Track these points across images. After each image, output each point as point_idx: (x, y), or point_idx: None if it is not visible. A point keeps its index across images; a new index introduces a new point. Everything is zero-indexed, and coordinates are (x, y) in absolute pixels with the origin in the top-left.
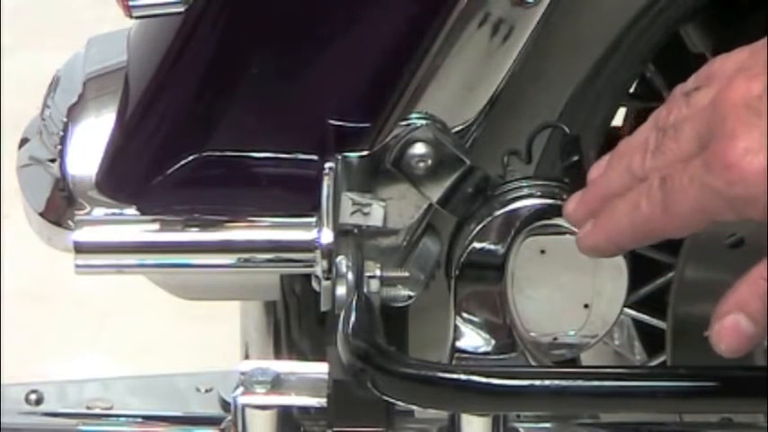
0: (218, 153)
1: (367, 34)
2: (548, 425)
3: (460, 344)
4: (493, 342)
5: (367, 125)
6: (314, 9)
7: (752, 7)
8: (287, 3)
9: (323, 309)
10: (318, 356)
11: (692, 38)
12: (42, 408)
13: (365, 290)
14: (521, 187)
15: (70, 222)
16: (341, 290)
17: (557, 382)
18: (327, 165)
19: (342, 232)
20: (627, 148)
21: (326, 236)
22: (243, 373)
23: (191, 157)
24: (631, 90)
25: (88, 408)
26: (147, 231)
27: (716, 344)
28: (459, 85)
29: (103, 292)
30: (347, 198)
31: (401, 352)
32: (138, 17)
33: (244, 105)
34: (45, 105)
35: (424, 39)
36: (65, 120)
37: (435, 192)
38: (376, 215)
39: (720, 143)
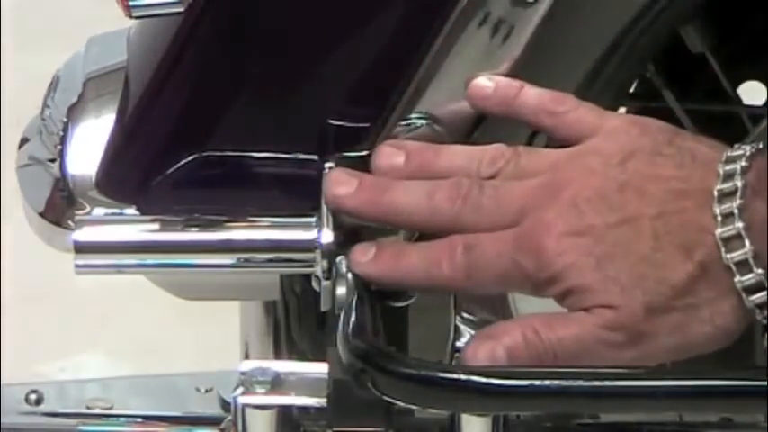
0: (218, 153)
1: (367, 34)
2: (548, 425)
3: (460, 344)
4: None
5: (367, 125)
6: (314, 9)
7: (751, 7)
8: (287, 3)
9: (323, 309)
10: (318, 356)
11: (692, 38)
12: (42, 408)
13: (365, 290)
14: None
15: (70, 222)
16: (341, 290)
17: (557, 382)
18: (327, 165)
19: (342, 232)
20: (435, 168)
21: (326, 236)
22: (243, 373)
23: (191, 157)
24: (631, 90)
25: (88, 408)
26: (147, 231)
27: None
28: (459, 85)
29: (103, 292)
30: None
31: (401, 352)
32: (138, 17)
33: (244, 105)
34: (45, 105)
35: (424, 39)
36: (65, 120)
37: None
38: None
39: (538, 227)
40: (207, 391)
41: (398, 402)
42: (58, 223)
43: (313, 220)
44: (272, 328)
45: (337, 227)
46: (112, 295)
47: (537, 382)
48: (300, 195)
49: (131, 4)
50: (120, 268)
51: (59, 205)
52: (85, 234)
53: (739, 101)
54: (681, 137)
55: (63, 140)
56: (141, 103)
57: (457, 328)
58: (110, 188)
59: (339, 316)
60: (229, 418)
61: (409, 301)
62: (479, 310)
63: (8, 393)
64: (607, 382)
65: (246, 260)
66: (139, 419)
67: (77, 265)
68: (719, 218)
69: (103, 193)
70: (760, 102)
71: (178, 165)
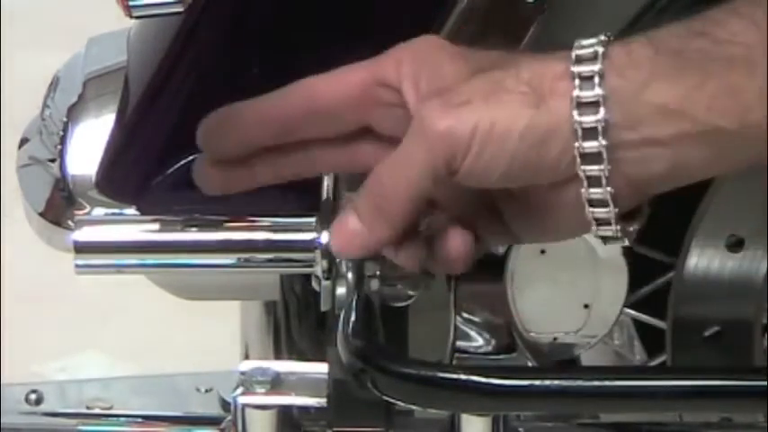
0: None
1: (367, 34)
2: (548, 425)
3: (460, 344)
4: (493, 342)
5: None
6: (314, 9)
7: None
8: (287, 3)
9: (323, 309)
10: (318, 356)
11: None
12: (42, 408)
13: (365, 290)
14: None
15: (70, 222)
16: (341, 290)
17: (557, 382)
18: None
19: None
20: None
21: (326, 236)
22: (243, 373)
23: (191, 157)
24: None
25: (88, 408)
26: (147, 231)
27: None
28: None
29: (103, 292)
30: (347, 198)
31: (401, 352)
32: (138, 17)
33: None
34: (45, 105)
35: None
36: (65, 120)
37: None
38: None
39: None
40: (207, 391)
41: (398, 402)
42: (57, 223)
43: (313, 220)
44: (272, 328)
45: None
46: (112, 295)
47: (537, 382)
48: (300, 195)
49: (131, 4)
50: (120, 268)
51: (59, 205)
52: (85, 234)
53: None
54: None
55: (63, 140)
56: (141, 103)
57: (457, 328)
58: (110, 188)
59: (339, 316)
60: (229, 418)
61: (409, 302)
62: (479, 310)
63: (8, 393)
64: (607, 383)
65: (246, 260)
66: (139, 419)
67: (77, 265)
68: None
69: (103, 193)
70: None
71: (178, 165)
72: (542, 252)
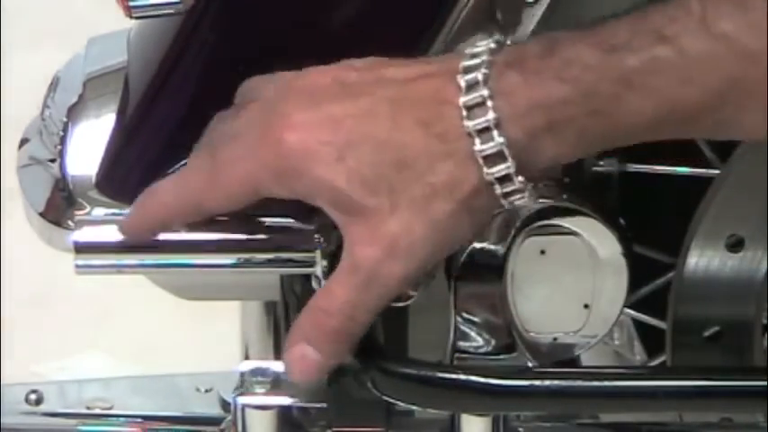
0: None
1: (367, 34)
2: (548, 425)
3: (460, 344)
4: (493, 342)
5: None
6: (314, 9)
7: None
8: (287, 3)
9: None
10: None
11: None
12: (42, 408)
13: None
14: None
15: (70, 222)
16: None
17: (557, 382)
18: None
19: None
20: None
21: (326, 236)
22: (243, 373)
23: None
24: None
25: (88, 408)
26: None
27: (290, 374)
28: None
29: (103, 292)
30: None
31: (401, 352)
32: (138, 17)
33: None
34: (45, 105)
35: (424, 39)
36: (65, 120)
37: None
38: None
39: (277, 119)
40: (207, 391)
41: (398, 402)
42: (58, 223)
43: (313, 220)
44: (272, 328)
45: (337, 227)
46: (112, 295)
47: (537, 382)
48: None
49: (131, 4)
50: (120, 268)
51: (59, 205)
52: (85, 234)
53: None
54: None
55: (63, 140)
56: (141, 103)
57: (457, 328)
58: (110, 188)
59: None
60: (229, 418)
61: (409, 301)
62: (479, 310)
63: (8, 393)
64: (607, 383)
65: (246, 260)
66: (139, 419)
67: (77, 265)
68: (464, 87)
69: (103, 193)
70: None
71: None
72: (542, 252)
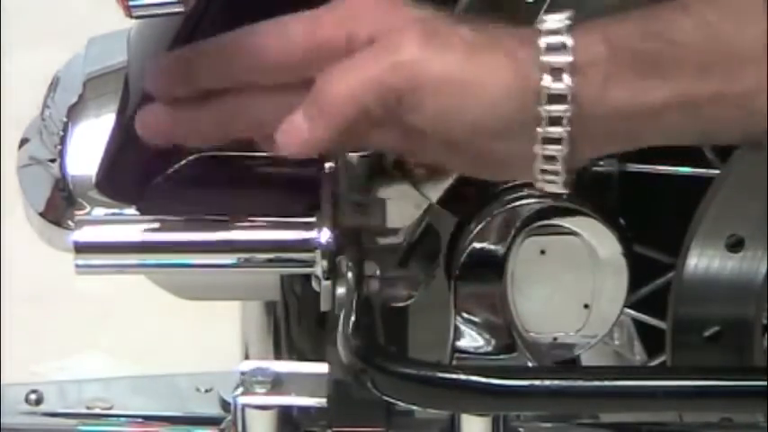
0: (218, 153)
1: None
2: (548, 425)
3: (460, 344)
4: (493, 342)
5: None
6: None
7: None
8: (287, 3)
9: (323, 309)
10: (318, 356)
11: None
12: (42, 408)
13: (365, 290)
14: (521, 187)
15: (70, 222)
16: (341, 290)
17: (557, 382)
18: (327, 165)
19: (342, 232)
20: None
21: (326, 236)
22: (243, 373)
23: (191, 157)
24: None
25: (88, 408)
26: (147, 231)
27: (279, 143)
28: None
29: (103, 292)
30: (347, 198)
31: (401, 352)
32: (138, 17)
33: None
34: (45, 105)
35: None
36: (65, 120)
37: (435, 192)
38: (376, 215)
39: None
40: (207, 391)
41: (398, 402)
42: (58, 223)
43: (313, 220)
44: (272, 328)
45: (337, 227)
46: (112, 295)
47: (537, 382)
48: (300, 195)
49: (131, 4)
50: (120, 268)
51: (59, 205)
52: (85, 234)
53: None
54: None
55: (63, 140)
56: (141, 104)
57: (457, 328)
58: (110, 188)
59: (339, 316)
60: (229, 418)
61: (409, 302)
62: (479, 310)
63: (8, 393)
64: (607, 383)
65: (246, 260)
66: (139, 419)
67: (77, 265)
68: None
69: (103, 193)
70: None
71: (178, 165)
72: (542, 252)
